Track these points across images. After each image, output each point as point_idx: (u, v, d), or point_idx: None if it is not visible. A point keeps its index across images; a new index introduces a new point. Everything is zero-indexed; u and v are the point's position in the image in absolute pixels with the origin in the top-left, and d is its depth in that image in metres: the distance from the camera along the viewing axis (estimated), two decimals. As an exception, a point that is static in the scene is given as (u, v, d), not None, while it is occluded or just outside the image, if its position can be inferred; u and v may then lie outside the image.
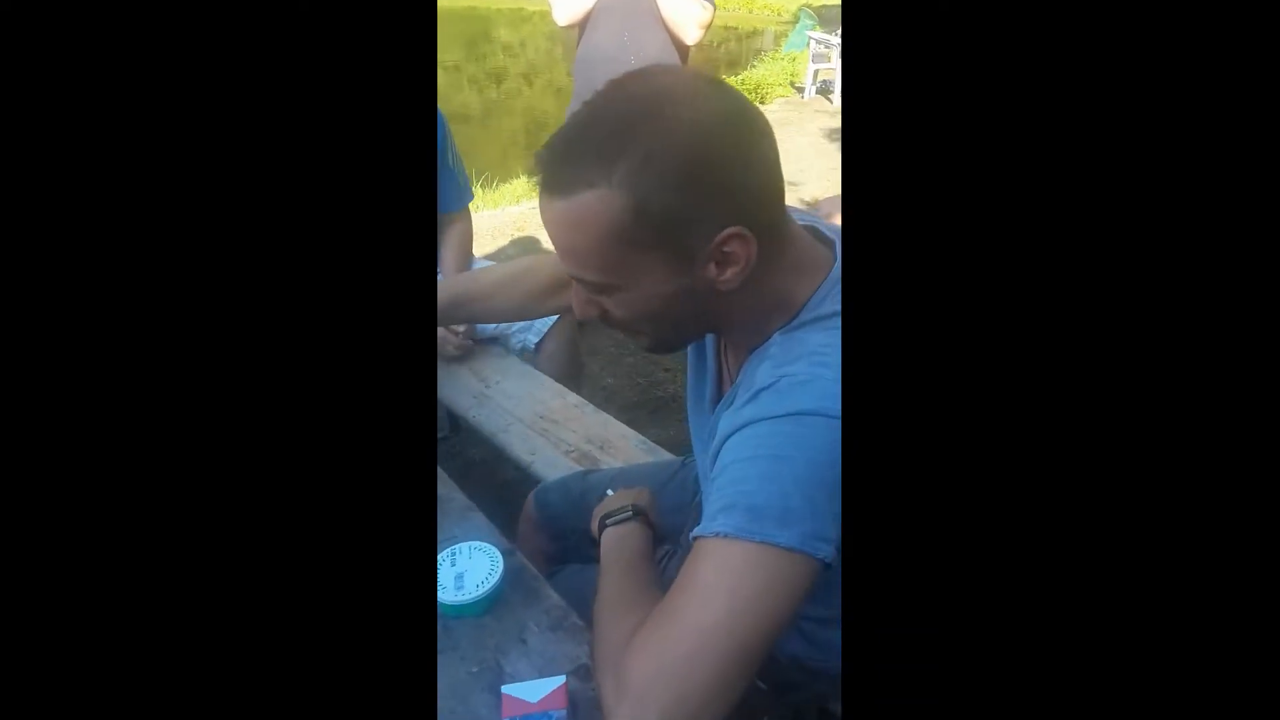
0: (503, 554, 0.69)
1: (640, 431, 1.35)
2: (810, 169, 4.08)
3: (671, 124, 0.50)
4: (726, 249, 0.53)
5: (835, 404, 0.50)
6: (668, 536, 0.84)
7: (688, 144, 0.49)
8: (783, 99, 5.79)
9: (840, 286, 0.58)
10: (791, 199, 3.76)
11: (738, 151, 0.52)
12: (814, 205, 3.16)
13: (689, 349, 0.79)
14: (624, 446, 1.30)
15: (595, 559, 0.96)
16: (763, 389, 0.54)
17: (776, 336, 0.58)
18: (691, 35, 1.82)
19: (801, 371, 0.53)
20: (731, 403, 0.61)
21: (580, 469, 1.22)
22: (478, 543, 0.70)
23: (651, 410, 1.98)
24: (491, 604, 0.68)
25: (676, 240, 0.52)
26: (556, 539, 1.04)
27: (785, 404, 0.52)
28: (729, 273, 0.54)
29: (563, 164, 0.52)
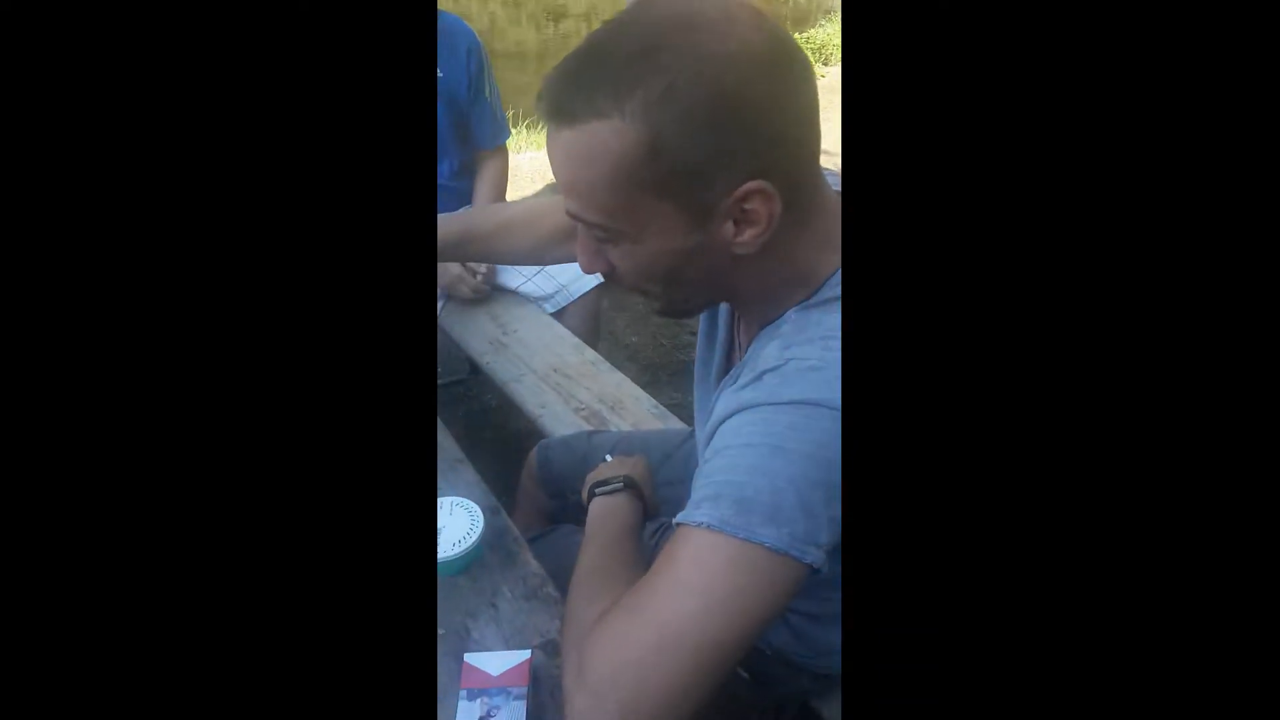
0: (485, 512, 0.67)
1: (655, 394, 1.31)
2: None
3: (701, 53, 0.43)
4: (747, 206, 0.46)
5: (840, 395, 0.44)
6: (663, 511, 0.80)
7: (717, 78, 0.43)
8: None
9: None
10: (828, 164, 3.63)
11: (773, 95, 0.44)
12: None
13: (702, 315, 0.74)
14: (635, 409, 1.27)
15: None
16: (768, 370, 0.49)
17: (791, 314, 0.52)
18: None
19: (812, 355, 0.48)
20: (735, 380, 0.56)
21: (588, 428, 1.18)
22: (460, 499, 0.67)
23: (672, 373, 1.94)
24: (468, 564, 0.65)
25: (692, 189, 0.46)
26: (555, 497, 1.01)
27: (790, 390, 0.47)
28: (747, 234, 0.48)
29: (573, 89, 0.45)
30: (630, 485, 0.68)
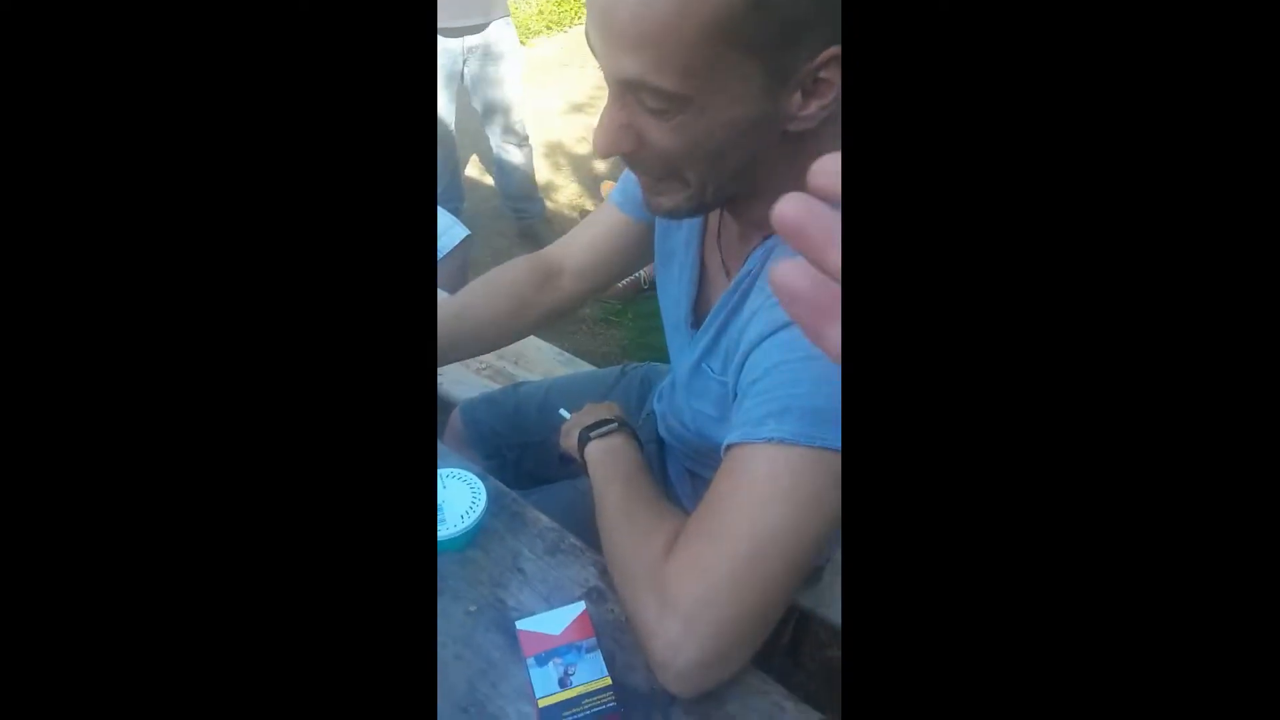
0: (481, 479, 0.61)
1: (555, 342, 1.28)
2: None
3: None
4: (822, 74, 0.44)
5: None
6: None
7: None
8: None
9: None
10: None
11: None
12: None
13: (656, 246, 0.73)
14: (539, 359, 1.23)
15: (550, 477, 0.90)
16: None
17: None
18: None
19: None
20: (741, 305, 0.55)
21: (496, 385, 1.13)
22: (455, 469, 0.61)
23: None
24: (475, 536, 0.60)
25: (781, 50, 0.43)
26: (491, 456, 0.96)
27: None
28: (812, 106, 0.45)
29: None
30: (624, 424, 0.67)
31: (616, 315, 1.97)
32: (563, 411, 0.78)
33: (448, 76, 1.79)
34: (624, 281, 1.98)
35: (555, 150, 2.82)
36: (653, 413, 0.88)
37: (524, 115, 1.99)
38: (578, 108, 3.31)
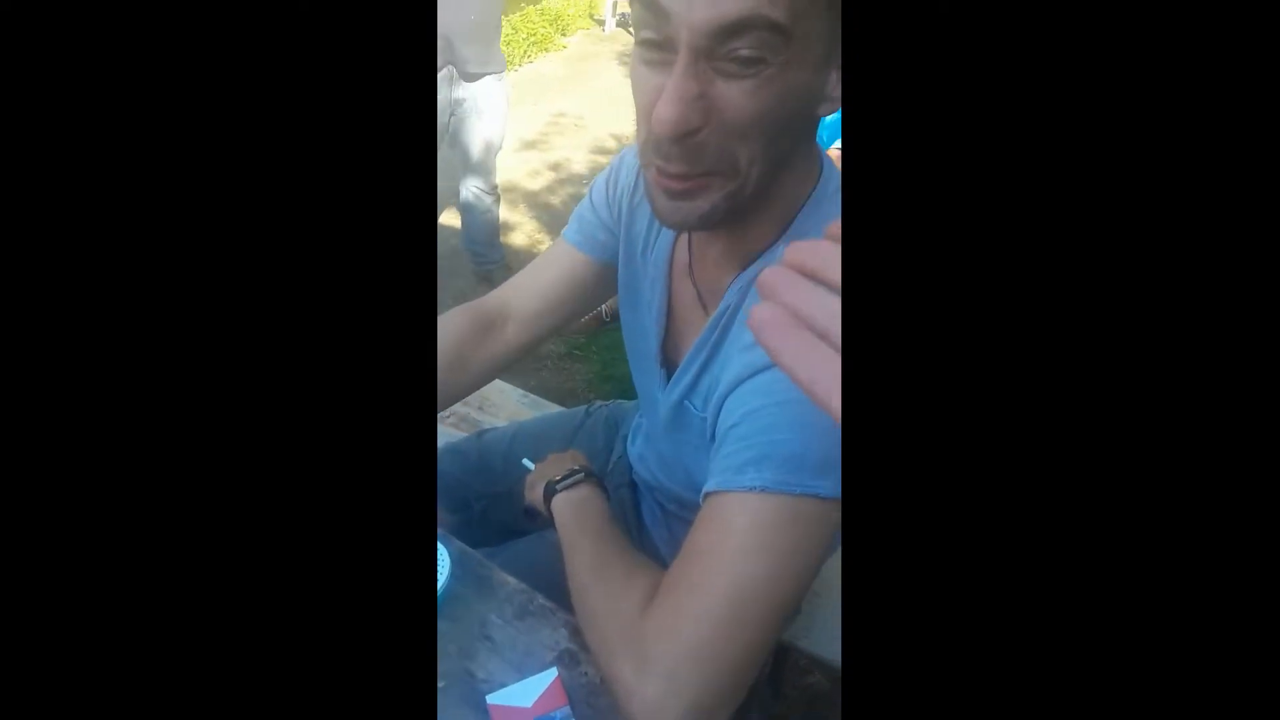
0: (442, 542, 0.59)
1: (514, 383, 1.26)
2: (620, 99, 4.03)
3: None
4: None
5: None
6: None
7: None
8: (583, 31, 5.63)
9: (836, 201, 0.53)
10: (602, 132, 3.75)
11: None
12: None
13: (621, 284, 0.71)
14: (504, 402, 1.21)
15: (521, 529, 0.88)
16: None
17: (781, 252, 0.53)
18: None
19: None
20: (723, 340, 0.55)
21: (461, 434, 1.10)
22: (413, 536, 0.59)
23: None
24: (440, 605, 0.58)
25: (835, 16, 0.43)
26: (457, 509, 0.93)
27: None
28: (840, 91, 0.46)
29: None
30: (590, 474, 0.65)
31: (580, 349, 1.96)
32: (526, 462, 0.76)
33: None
34: (586, 316, 1.98)
35: (510, 189, 2.82)
36: (625, 455, 0.86)
37: (498, 168, 2.00)
38: (529, 144, 3.32)
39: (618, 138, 3.52)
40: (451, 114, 1.81)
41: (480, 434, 0.98)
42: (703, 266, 0.60)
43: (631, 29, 4.75)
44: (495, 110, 1.83)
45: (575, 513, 0.61)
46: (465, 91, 1.77)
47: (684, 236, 0.62)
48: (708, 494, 0.49)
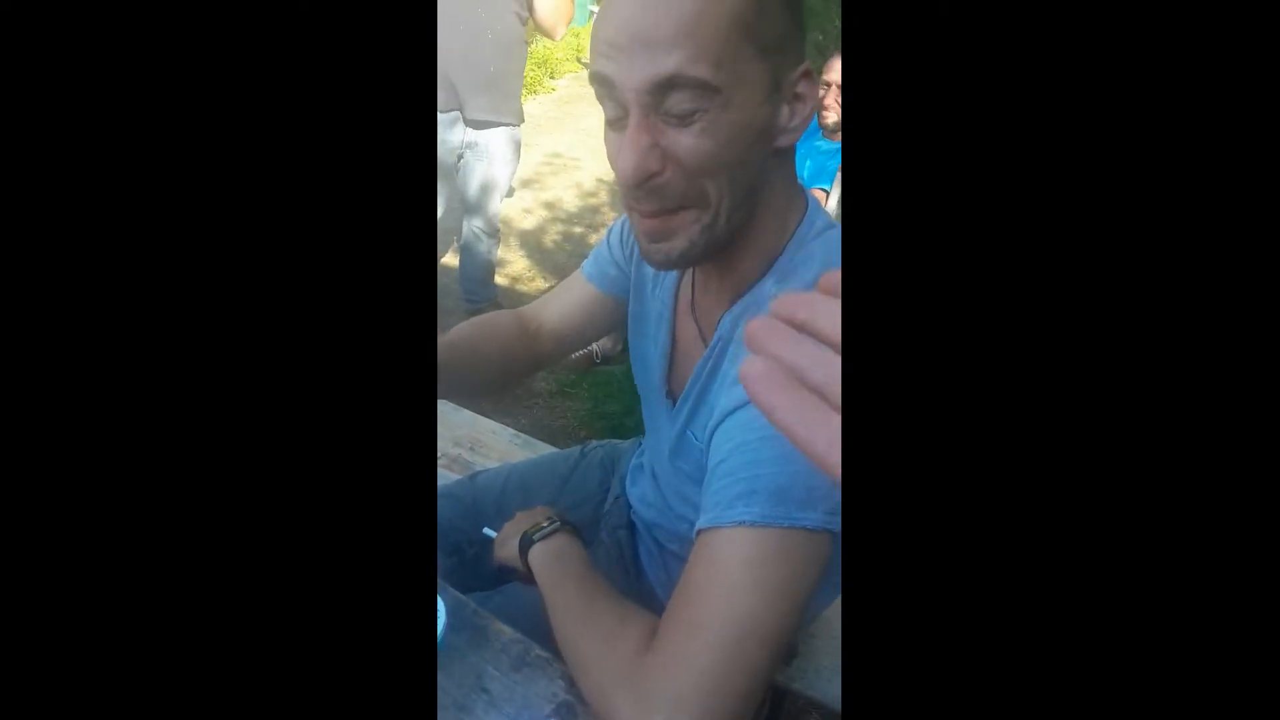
0: (439, 593, 0.58)
1: (505, 423, 1.26)
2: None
3: None
4: (799, 89, 0.50)
5: None
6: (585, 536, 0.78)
7: None
8: (572, 74, 5.76)
9: (822, 240, 0.55)
10: (585, 175, 3.82)
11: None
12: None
13: (630, 319, 0.73)
14: (496, 444, 1.20)
15: (505, 578, 0.87)
16: None
17: (770, 286, 0.54)
18: (559, 32, 1.75)
19: None
20: (716, 371, 0.56)
21: (455, 476, 1.09)
22: (408, 586, 0.58)
23: (495, 400, 1.87)
24: (438, 656, 0.57)
25: (778, 54, 0.48)
26: (450, 554, 0.92)
27: None
28: (796, 120, 0.51)
29: None
30: (565, 523, 0.65)
31: (572, 387, 1.96)
32: (487, 531, 0.76)
33: (439, 166, 1.83)
34: (577, 354, 1.99)
35: (502, 225, 2.85)
36: (623, 496, 0.86)
37: (501, 212, 2.04)
38: (523, 183, 3.37)
39: (605, 179, 3.58)
40: (460, 156, 1.85)
41: (473, 477, 0.98)
42: (702, 302, 0.62)
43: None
44: (505, 158, 1.86)
45: (554, 563, 0.61)
46: (478, 137, 1.81)
47: (688, 275, 0.65)
48: (699, 531, 0.49)
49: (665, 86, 0.46)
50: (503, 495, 0.93)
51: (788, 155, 0.55)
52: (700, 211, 0.50)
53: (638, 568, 0.81)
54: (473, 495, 0.94)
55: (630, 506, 0.83)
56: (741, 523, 0.46)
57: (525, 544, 0.64)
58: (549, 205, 3.25)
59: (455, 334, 0.79)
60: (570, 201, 3.31)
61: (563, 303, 0.82)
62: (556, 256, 2.82)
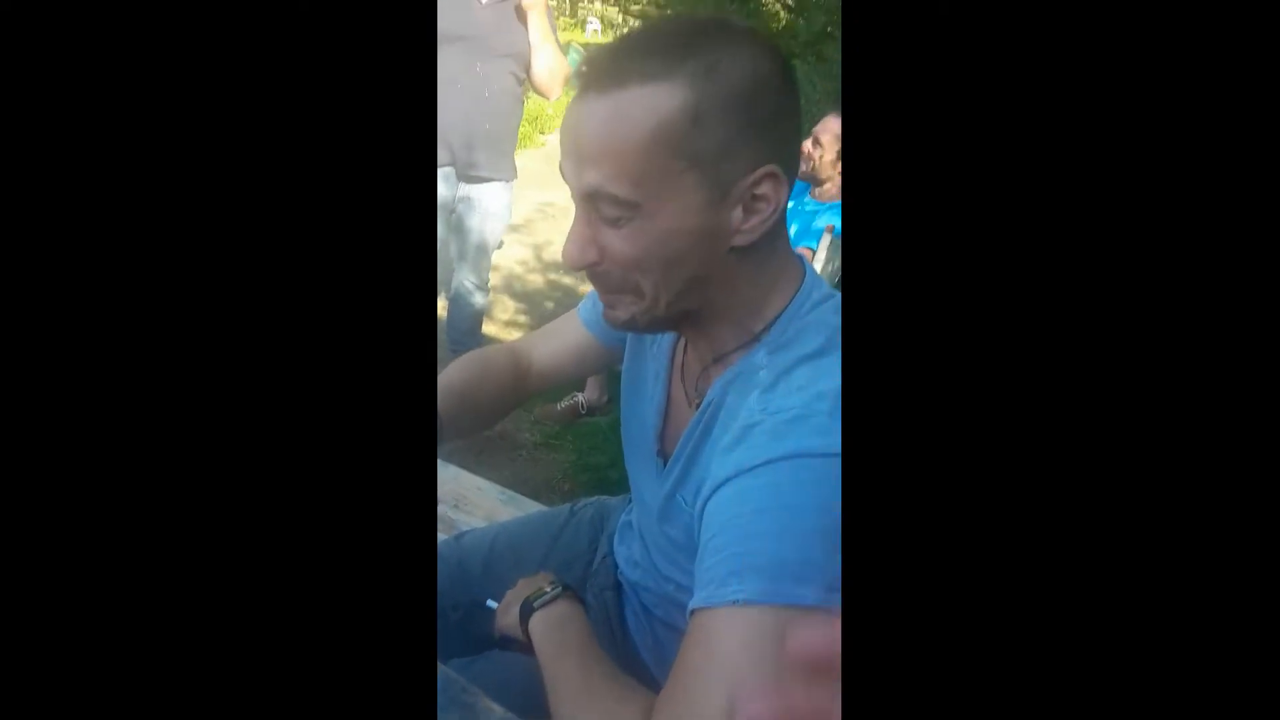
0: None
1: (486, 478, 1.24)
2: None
3: (740, 43, 0.49)
4: (758, 191, 0.50)
5: (835, 440, 0.47)
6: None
7: (754, 64, 0.48)
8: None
9: (819, 311, 0.56)
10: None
11: (785, 95, 0.50)
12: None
13: (625, 373, 0.73)
14: (483, 501, 1.18)
15: (504, 646, 0.84)
16: (752, 426, 0.50)
17: (762, 356, 0.54)
18: (555, 93, 1.79)
19: (794, 405, 0.49)
20: (707, 435, 0.56)
21: (441, 536, 1.07)
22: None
23: (478, 453, 1.85)
24: (421, 736, 0.55)
25: (719, 164, 0.48)
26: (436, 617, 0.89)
27: (783, 445, 0.48)
28: (753, 221, 0.50)
29: (623, 58, 0.48)
30: (566, 588, 0.64)
31: (556, 439, 1.95)
32: (490, 602, 0.75)
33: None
34: (563, 404, 1.98)
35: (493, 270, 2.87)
36: (610, 555, 0.85)
37: (492, 266, 2.06)
38: (511, 229, 3.40)
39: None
40: (453, 210, 1.87)
41: (458, 537, 0.96)
42: (687, 364, 0.63)
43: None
44: (498, 212, 1.89)
45: (555, 632, 0.60)
46: (471, 191, 1.83)
47: (679, 337, 0.66)
48: (694, 610, 0.48)
49: (590, 196, 0.50)
50: (490, 556, 0.91)
51: (769, 240, 0.54)
52: (636, 298, 0.53)
53: (624, 630, 0.79)
54: (459, 556, 0.93)
55: (617, 566, 0.82)
56: (736, 602, 0.46)
57: (526, 611, 0.63)
58: (537, 252, 3.28)
59: (445, 377, 0.79)
60: (558, 249, 3.35)
61: (555, 344, 0.83)
62: (544, 301, 2.84)
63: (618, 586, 0.81)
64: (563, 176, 0.52)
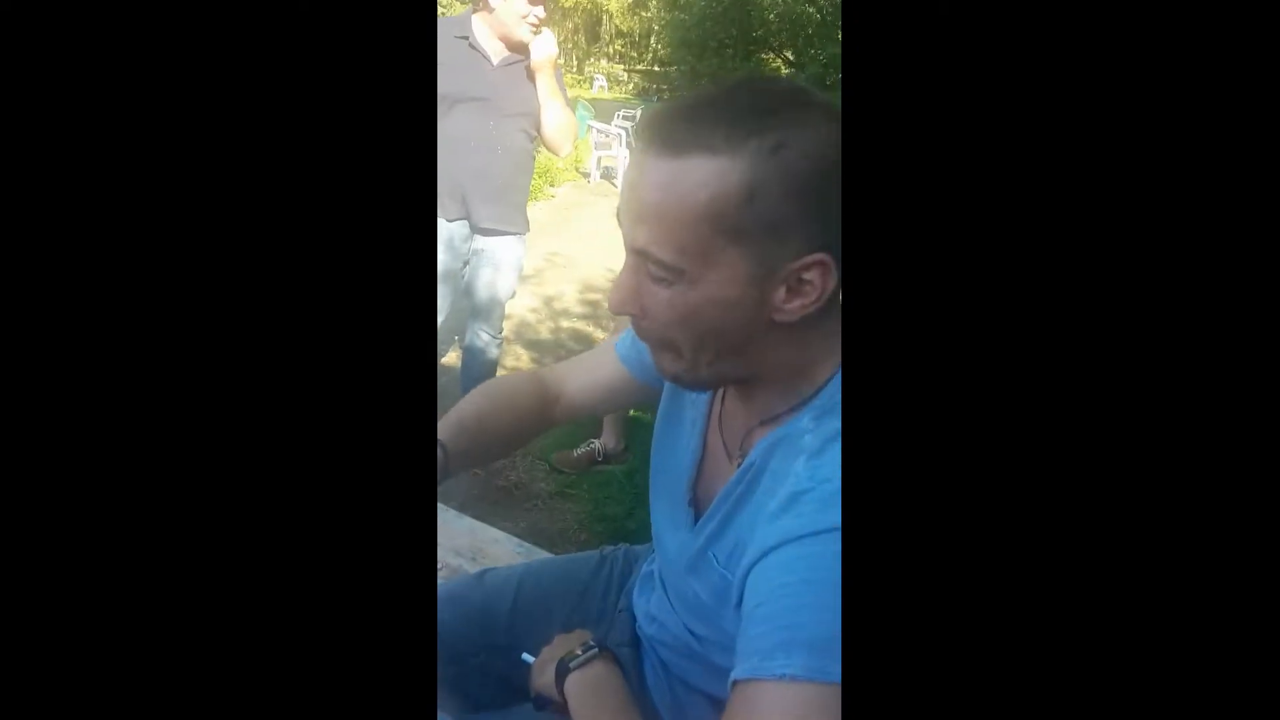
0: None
1: (498, 528, 1.23)
2: (609, 245, 4.26)
3: (813, 120, 0.47)
4: (806, 275, 0.48)
5: None
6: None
7: (820, 148, 0.46)
8: (571, 182, 6.05)
9: None
10: (585, 272, 3.93)
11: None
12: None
13: (661, 416, 0.72)
14: (500, 553, 1.17)
15: (521, 685, 0.81)
16: (801, 493, 0.49)
17: (808, 420, 0.53)
18: (565, 149, 1.85)
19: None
20: (749, 496, 0.55)
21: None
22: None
23: (492, 503, 1.84)
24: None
25: (768, 245, 0.47)
26: (454, 661, 0.85)
27: (834, 516, 0.47)
28: (795, 303, 0.49)
29: (686, 124, 0.47)
30: (604, 649, 0.62)
31: (571, 488, 1.93)
32: (526, 657, 0.73)
33: (446, 271, 1.88)
34: (579, 451, 1.97)
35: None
36: (627, 610, 0.82)
37: (505, 317, 2.09)
38: (525, 278, 3.46)
39: (606, 272, 3.68)
40: (466, 262, 1.90)
41: (481, 576, 0.92)
42: (730, 420, 0.62)
43: (614, 181, 5.09)
44: (510, 264, 1.92)
45: (592, 695, 0.58)
46: (484, 244, 1.87)
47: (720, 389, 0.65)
48: (736, 681, 0.47)
49: (643, 254, 0.50)
50: (516, 603, 0.87)
51: (817, 313, 0.52)
52: (676, 358, 0.53)
53: (643, 687, 0.77)
54: (482, 596, 0.88)
55: (635, 620, 0.80)
56: (782, 677, 0.44)
57: (562, 671, 0.61)
58: (548, 302, 3.32)
59: (468, 401, 0.78)
60: (569, 297, 3.39)
61: (588, 378, 0.81)
62: (555, 349, 2.86)
63: (635, 642, 0.79)
64: (618, 222, 0.52)
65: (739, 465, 0.58)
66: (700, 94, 0.49)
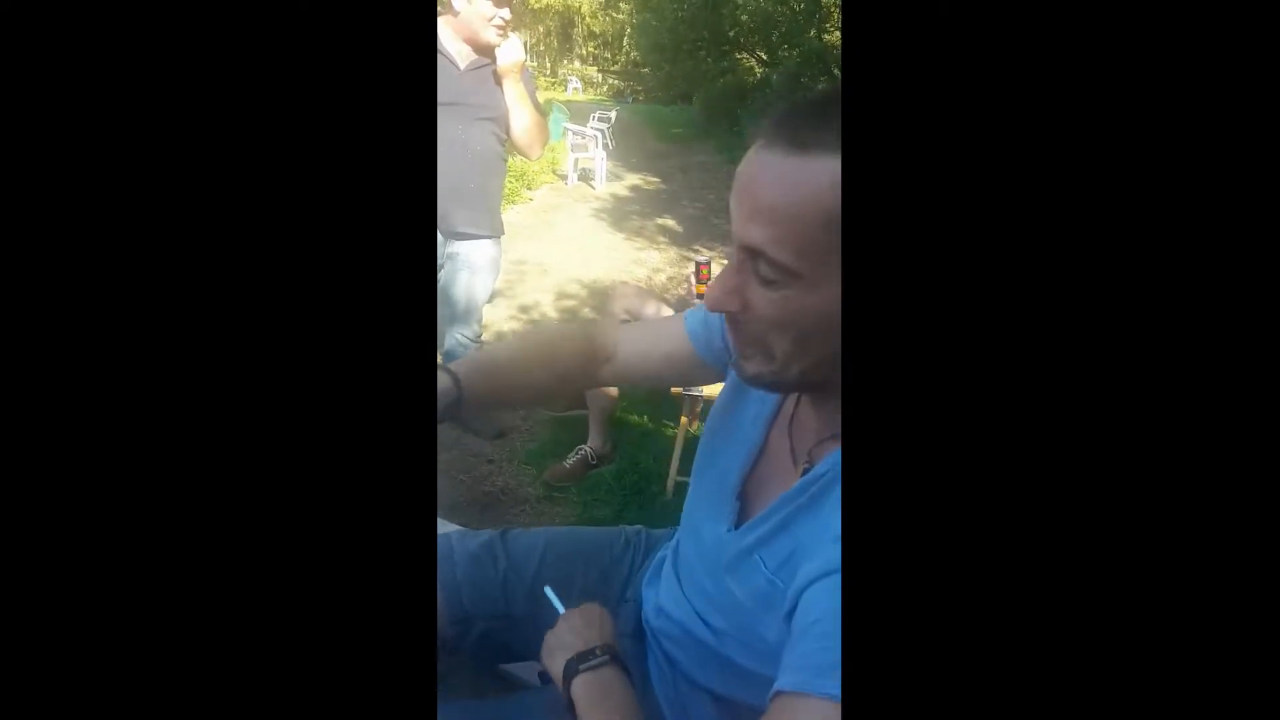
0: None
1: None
2: (590, 246, 4.27)
3: None
4: None
5: None
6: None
7: None
8: (548, 185, 6.03)
9: None
10: (561, 279, 3.91)
11: None
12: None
13: (719, 408, 0.71)
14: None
15: (520, 654, 0.79)
16: None
17: None
18: (536, 153, 1.85)
19: None
20: (813, 507, 0.54)
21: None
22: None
23: (482, 508, 1.83)
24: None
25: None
26: (457, 623, 0.82)
27: None
28: None
29: (812, 122, 0.45)
30: (615, 655, 0.63)
31: (560, 492, 1.94)
32: (549, 593, 0.71)
33: None
34: (571, 461, 1.96)
35: (483, 329, 2.90)
36: (634, 600, 0.81)
37: (483, 320, 2.07)
38: (506, 285, 3.45)
39: (581, 281, 3.68)
40: (442, 267, 1.90)
41: (503, 534, 0.87)
42: (802, 425, 0.61)
43: (591, 184, 5.05)
44: (486, 268, 1.92)
45: (600, 699, 0.58)
46: (459, 248, 1.87)
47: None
48: (780, 691, 0.47)
49: (753, 253, 0.48)
50: (539, 572, 0.84)
51: None
52: (766, 359, 0.52)
53: (645, 682, 0.76)
54: (505, 561, 0.84)
55: (641, 610, 0.79)
56: (831, 697, 0.44)
57: (570, 671, 0.61)
58: (525, 309, 3.32)
59: (496, 349, 0.76)
60: (546, 306, 3.39)
61: (649, 345, 0.78)
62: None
63: (639, 634, 0.78)
64: (729, 214, 0.50)
65: (804, 472, 0.57)
66: (828, 91, 0.47)
